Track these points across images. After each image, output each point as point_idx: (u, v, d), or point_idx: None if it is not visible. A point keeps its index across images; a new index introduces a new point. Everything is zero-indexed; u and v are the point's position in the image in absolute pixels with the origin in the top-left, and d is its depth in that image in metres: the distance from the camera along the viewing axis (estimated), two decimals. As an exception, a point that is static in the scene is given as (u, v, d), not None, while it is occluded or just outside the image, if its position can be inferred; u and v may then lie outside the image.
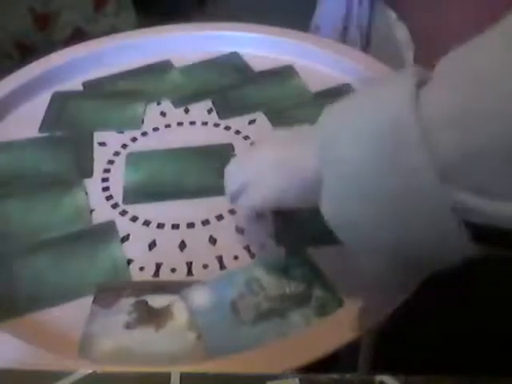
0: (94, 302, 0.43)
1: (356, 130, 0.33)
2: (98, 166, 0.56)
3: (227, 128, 0.60)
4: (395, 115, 0.31)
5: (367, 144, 0.32)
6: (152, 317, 0.42)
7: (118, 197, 0.52)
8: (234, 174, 0.44)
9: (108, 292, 0.43)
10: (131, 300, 0.43)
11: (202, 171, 0.55)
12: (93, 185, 0.53)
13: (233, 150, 0.57)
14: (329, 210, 0.35)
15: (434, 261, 0.34)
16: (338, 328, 0.40)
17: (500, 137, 0.27)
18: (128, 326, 0.41)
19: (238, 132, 0.59)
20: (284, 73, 0.68)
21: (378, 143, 0.31)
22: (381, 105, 0.33)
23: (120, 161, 0.56)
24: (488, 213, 0.29)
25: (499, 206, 0.28)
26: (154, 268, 0.46)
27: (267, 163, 0.41)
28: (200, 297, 0.43)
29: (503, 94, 0.27)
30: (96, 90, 0.67)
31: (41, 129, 0.60)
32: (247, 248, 0.47)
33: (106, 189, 0.53)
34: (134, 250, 0.47)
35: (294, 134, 0.42)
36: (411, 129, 0.30)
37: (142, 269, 0.46)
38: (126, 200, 0.52)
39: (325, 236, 0.47)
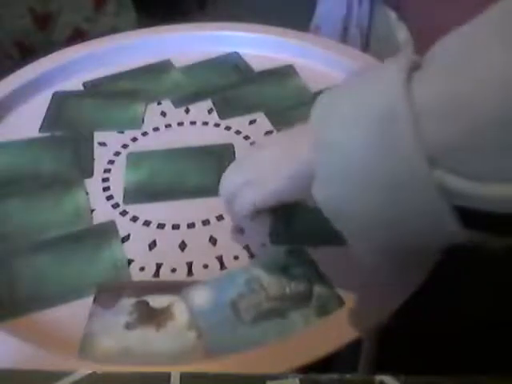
0: (94, 302, 0.43)
1: (347, 116, 0.34)
2: (99, 165, 0.56)
3: (228, 128, 0.60)
4: (387, 100, 0.31)
5: (358, 129, 0.32)
6: (152, 317, 0.42)
7: (119, 197, 0.52)
8: (231, 176, 0.44)
9: (108, 292, 0.44)
10: (132, 300, 0.43)
11: (202, 171, 0.55)
12: (93, 185, 0.53)
13: (233, 150, 0.57)
14: (320, 197, 0.35)
15: (427, 247, 0.34)
16: (338, 328, 0.40)
17: (486, 123, 0.27)
18: (128, 326, 0.41)
19: (238, 132, 0.59)
20: (284, 73, 0.68)
21: (369, 128, 0.32)
22: (372, 91, 0.33)
23: (120, 161, 0.56)
24: (478, 196, 0.29)
25: (488, 190, 0.28)
26: (154, 268, 0.46)
27: (266, 161, 0.41)
28: (200, 297, 0.43)
29: (489, 83, 0.28)
30: (96, 89, 0.67)
31: (41, 129, 0.60)
32: (247, 248, 0.47)
33: (106, 189, 0.53)
34: (135, 250, 0.47)
35: (290, 130, 0.42)
36: (402, 114, 0.30)
37: (142, 269, 0.46)
38: (126, 200, 0.52)
39: (325, 236, 0.48)
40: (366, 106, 0.33)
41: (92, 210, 0.51)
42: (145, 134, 0.60)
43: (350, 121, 0.33)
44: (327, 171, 0.34)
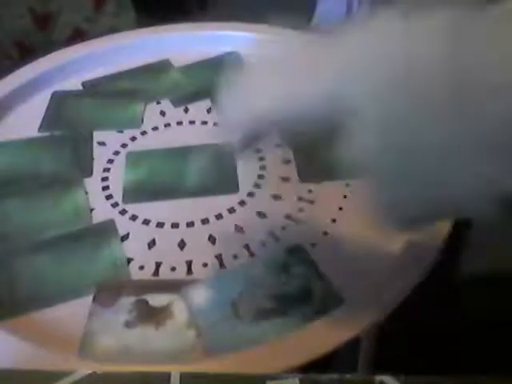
0: (94, 300, 0.43)
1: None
2: (98, 165, 0.56)
3: (227, 127, 0.60)
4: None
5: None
6: (152, 315, 0.42)
7: (118, 196, 0.52)
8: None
9: (108, 291, 0.44)
10: (131, 299, 0.43)
11: (201, 170, 0.55)
12: (92, 184, 0.53)
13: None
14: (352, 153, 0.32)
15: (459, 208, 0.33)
16: (337, 327, 0.40)
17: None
18: (128, 325, 0.41)
19: (237, 131, 0.59)
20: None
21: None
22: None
23: (120, 160, 0.56)
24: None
25: None
26: (153, 267, 0.46)
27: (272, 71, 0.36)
28: (200, 296, 0.43)
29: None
30: (95, 89, 0.67)
31: (40, 128, 0.60)
32: (246, 247, 0.47)
33: (105, 188, 0.53)
34: (134, 248, 0.47)
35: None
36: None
37: (141, 268, 0.46)
38: (125, 199, 0.52)
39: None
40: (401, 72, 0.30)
41: (91, 210, 0.51)
42: (144, 133, 0.60)
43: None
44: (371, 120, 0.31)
